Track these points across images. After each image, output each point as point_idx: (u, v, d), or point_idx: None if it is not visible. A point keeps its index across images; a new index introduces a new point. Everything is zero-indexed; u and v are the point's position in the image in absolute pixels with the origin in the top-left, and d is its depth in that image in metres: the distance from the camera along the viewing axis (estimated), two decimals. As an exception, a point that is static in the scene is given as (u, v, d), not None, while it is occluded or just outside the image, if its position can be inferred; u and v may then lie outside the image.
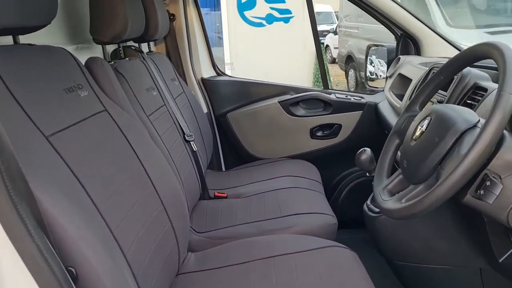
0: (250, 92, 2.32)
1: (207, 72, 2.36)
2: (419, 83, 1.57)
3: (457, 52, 2.11)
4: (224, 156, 2.37)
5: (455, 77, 1.34)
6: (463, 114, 0.92)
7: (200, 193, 1.81)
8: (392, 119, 1.91)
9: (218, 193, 1.87)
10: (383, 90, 2.32)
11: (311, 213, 1.58)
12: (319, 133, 2.29)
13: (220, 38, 7.48)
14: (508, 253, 1.09)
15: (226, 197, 1.85)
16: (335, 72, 9.31)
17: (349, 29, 8.47)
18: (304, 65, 7.52)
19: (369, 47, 2.48)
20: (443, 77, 1.08)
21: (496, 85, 1.19)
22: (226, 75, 2.43)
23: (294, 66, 7.39)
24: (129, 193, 1.06)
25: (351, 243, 1.37)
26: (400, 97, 1.92)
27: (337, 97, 2.26)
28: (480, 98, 1.22)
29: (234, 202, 1.78)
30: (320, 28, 8.19)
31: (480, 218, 1.11)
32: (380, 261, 1.52)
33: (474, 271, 1.30)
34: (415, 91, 1.56)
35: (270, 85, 2.35)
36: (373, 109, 2.23)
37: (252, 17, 7.30)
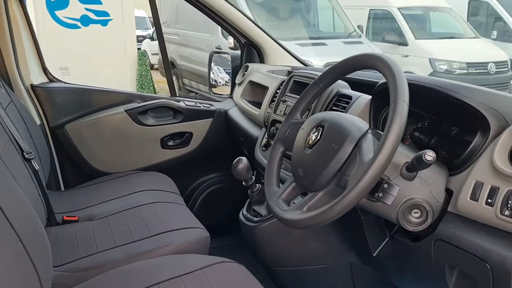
0: (91, 101, 2.09)
1: (37, 78, 2.04)
2: (280, 90, 1.62)
3: (295, 61, 2.29)
4: (63, 173, 2.08)
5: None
6: (354, 122, 0.97)
7: (46, 218, 1.54)
8: (247, 126, 1.94)
9: (67, 216, 1.62)
10: (230, 97, 2.35)
11: (183, 228, 1.49)
12: (171, 143, 2.19)
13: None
14: (382, 245, 1.19)
15: (77, 221, 1.62)
16: (155, 79, 9.17)
17: (169, 35, 8.46)
18: (126, 71, 7.20)
19: (211, 54, 2.49)
20: (323, 85, 1.12)
21: (358, 94, 1.29)
22: (61, 81, 2.14)
23: (115, 72, 7.01)
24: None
25: (226, 253, 1.34)
26: (255, 104, 1.96)
27: (186, 105, 2.20)
28: (344, 105, 1.31)
29: (89, 226, 1.57)
30: (136, 33, 7.96)
31: (356, 217, 1.19)
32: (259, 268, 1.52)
33: (345, 266, 1.39)
34: (277, 99, 1.61)
35: (114, 92, 2.16)
36: (223, 116, 2.24)
37: (65, 17, 6.68)
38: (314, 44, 6.70)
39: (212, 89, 2.49)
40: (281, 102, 1.56)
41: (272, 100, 1.69)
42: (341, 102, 1.32)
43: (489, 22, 9.63)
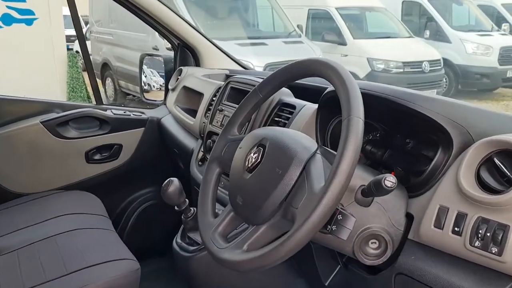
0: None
1: None
2: (217, 98, 1.45)
3: (234, 64, 2.13)
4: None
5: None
6: (300, 141, 0.81)
7: None
8: (182, 136, 1.75)
9: (-35, 252, 1.36)
10: (163, 103, 2.15)
11: (108, 261, 1.28)
12: (97, 156, 1.96)
13: None
14: (333, 274, 1.06)
15: (-21, 257, 1.37)
16: (88, 81, 8.71)
17: (102, 35, 8.05)
18: (55, 74, 6.72)
19: (142, 57, 2.27)
20: (263, 95, 0.96)
21: (302, 102, 1.15)
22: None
23: (42, 75, 6.51)
24: None
25: (159, 280, 1.15)
26: (190, 112, 1.78)
27: (114, 114, 1.97)
28: (288, 115, 1.16)
29: (-6, 263, 1.32)
30: (66, 32, 7.47)
31: (306, 247, 1.05)
32: None
33: None
34: (213, 107, 1.43)
35: (28, 101, 1.89)
36: (156, 125, 2.04)
37: (-17, 16, 6.11)
38: (253, 44, 6.58)
39: (145, 94, 2.27)
40: (218, 111, 1.39)
41: (208, 109, 1.52)
42: (284, 112, 1.17)
43: (421, 22, 9.98)
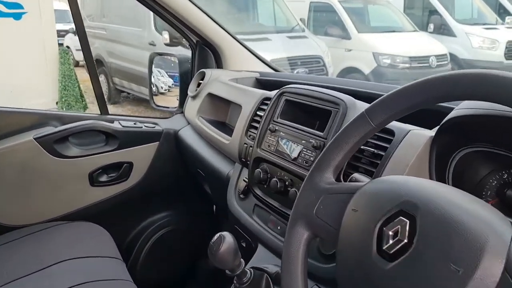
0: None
1: None
2: (266, 113, 1.11)
3: (262, 64, 1.80)
4: None
5: (331, 110, 0.94)
6: (483, 215, 0.49)
7: None
8: (210, 156, 1.42)
9: None
10: (178, 111, 1.82)
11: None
12: (103, 178, 1.62)
13: None
14: None
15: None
16: (82, 77, 8.31)
17: (94, 29, 7.66)
18: (46, 72, 6.33)
19: (152, 57, 1.92)
20: (376, 124, 0.63)
21: (403, 126, 0.82)
22: None
23: (32, 73, 6.13)
24: None
25: None
26: (217, 125, 1.46)
27: (122, 126, 1.64)
28: (382, 144, 0.84)
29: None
30: (56, 27, 7.08)
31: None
32: None
33: None
34: (260, 126, 1.10)
35: (18, 113, 1.55)
36: (173, 138, 1.70)
37: (-32, 9, 5.70)
38: (256, 40, 6.23)
39: (154, 98, 1.93)
40: (269, 131, 1.06)
41: (251, 126, 1.19)
42: (376, 139, 0.85)
43: (424, 16, 9.72)
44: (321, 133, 0.92)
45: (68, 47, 9.72)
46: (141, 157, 1.67)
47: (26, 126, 1.53)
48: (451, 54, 8.19)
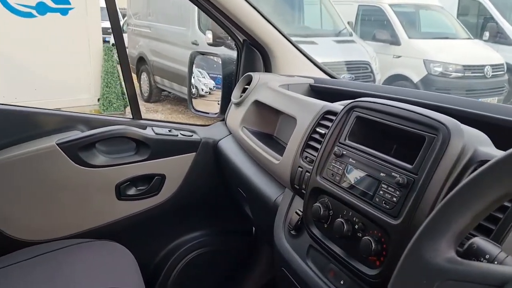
0: (1, 129, 1.31)
1: None
2: (330, 132, 0.88)
3: (315, 68, 1.57)
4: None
5: (425, 135, 0.69)
6: None
7: None
8: (254, 174, 1.20)
9: None
10: (219, 119, 1.62)
11: None
12: (131, 191, 1.44)
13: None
14: None
15: None
16: (124, 75, 8.34)
17: (140, 28, 7.66)
18: (89, 68, 6.33)
19: (193, 56, 1.73)
20: None
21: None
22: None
23: (76, 69, 6.15)
24: None
25: None
26: (264, 138, 1.24)
27: (156, 133, 1.44)
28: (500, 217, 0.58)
29: None
30: (103, 25, 7.10)
31: None
32: None
33: None
34: (322, 148, 0.87)
35: (42, 114, 1.38)
36: (211, 149, 1.50)
37: (17, 4, 5.75)
38: (302, 43, 5.97)
39: (193, 101, 1.73)
40: (334, 156, 0.83)
41: (308, 145, 0.96)
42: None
43: (479, 22, 9.23)
44: (409, 166, 0.69)
45: (113, 44, 9.82)
46: (175, 169, 1.47)
47: (48, 129, 1.36)
48: (507, 64, 7.69)
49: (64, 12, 6.11)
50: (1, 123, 1.31)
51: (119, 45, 1.45)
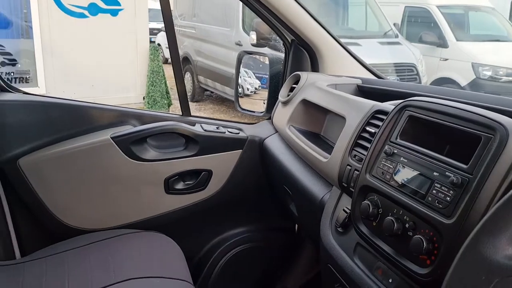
0: (61, 122, 1.39)
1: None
2: (381, 131, 0.88)
3: (362, 69, 1.56)
4: (17, 233, 1.38)
5: (481, 135, 0.69)
6: None
7: None
8: (300, 173, 1.22)
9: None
10: (265, 117, 1.64)
11: None
12: (179, 185, 1.48)
13: (31, 28, 5.98)
14: None
15: None
16: (169, 74, 8.51)
17: (184, 28, 7.81)
18: (136, 67, 6.53)
19: (241, 56, 1.76)
20: None
21: None
22: (18, 90, 1.43)
23: (123, 67, 6.35)
24: None
25: None
26: (310, 136, 1.25)
27: (204, 130, 1.48)
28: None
29: None
30: (150, 26, 7.29)
31: None
32: None
33: None
34: (372, 146, 0.87)
35: (98, 109, 1.45)
36: (257, 147, 1.53)
37: (71, 5, 6.01)
38: (347, 44, 5.91)
39: (240, 100, 1.76)
40: (385, 155, 0.83)
41: (357, 144, 0.97)
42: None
43: (533, 25, 8.81)
44: (464, 166, 0.68)
45: (159, 44, 10.07)
46: (222, 165, 1.51)
47: (103, 123, 1.43)
48: None
49: (114, 13, 6.33)
50: (61, 116, 1.38)
51: (172, 44, 1.49)
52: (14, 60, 5.73)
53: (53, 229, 1.39)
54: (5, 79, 1.44)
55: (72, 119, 1.41)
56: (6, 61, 5.70)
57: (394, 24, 6.96)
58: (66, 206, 1.39)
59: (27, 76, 5.83)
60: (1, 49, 5.67)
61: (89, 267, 1.18)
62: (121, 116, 1.45)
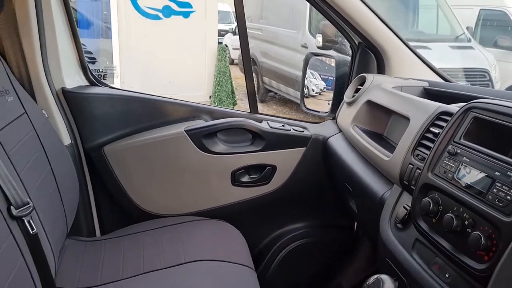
0: (141, 114, 1.52)
1: (72, 79, 1.48)
2: (445, 132, 0.91)
3: (430, 72, 1.56)
4: (98, 213, 1.53)
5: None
6: None
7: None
8: (362, 171, 1.26)
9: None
10: (330, 117, 1.68)
11: None
12: (245, 178, 1.57)
13: (109, 29, 6.39)
14: None
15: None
16: (235, 74, 8.72)
17: (251, 30, 7.96)
18: (204, 66, 6.77)
19: (308, 57, 1.82)
20: None
21: None
22: (105, 85, 1.59)
23: (192, 67, 6.60)
24: None
25: None
26: (373, 136, 1.29)
27: (271, 127, 1.56)
28: None
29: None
30: (218, 27, 7.51)
31: None
32: None
33: None
34: (435, 146, 0.90)
35: (173, 103, 1.57)
36: (321, 146, 1.58)
37: (147, 7, 6.35)
38: (416, 48, 5.77)
39: (305, 100, 1.82)
40: (448, 154, 0.86)
41: (420, 144, 1.00)
42: None
43: None
44: None
45: (226, 45, 10.34)
46: (286, 161, 1.57)
47: (178, 117, 1.54)
48: None
49: (186, 14, 6.59)
50: (141, 109, 1.52)
51: (244, 44, 1.58)
52: (94, 58, 6.14)
53: (130, 212, 1.52)
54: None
55: (150, 112, 1.53)
56: (87, 59, 6.12)
57: (467, 28, 6.69)
58: (142, 192, 1.52)
59: (106, 73, 6.22)
60: (83, 48, 6.10)
61: (161, 248, 1.29)
62: (194, 111, 1.56)
